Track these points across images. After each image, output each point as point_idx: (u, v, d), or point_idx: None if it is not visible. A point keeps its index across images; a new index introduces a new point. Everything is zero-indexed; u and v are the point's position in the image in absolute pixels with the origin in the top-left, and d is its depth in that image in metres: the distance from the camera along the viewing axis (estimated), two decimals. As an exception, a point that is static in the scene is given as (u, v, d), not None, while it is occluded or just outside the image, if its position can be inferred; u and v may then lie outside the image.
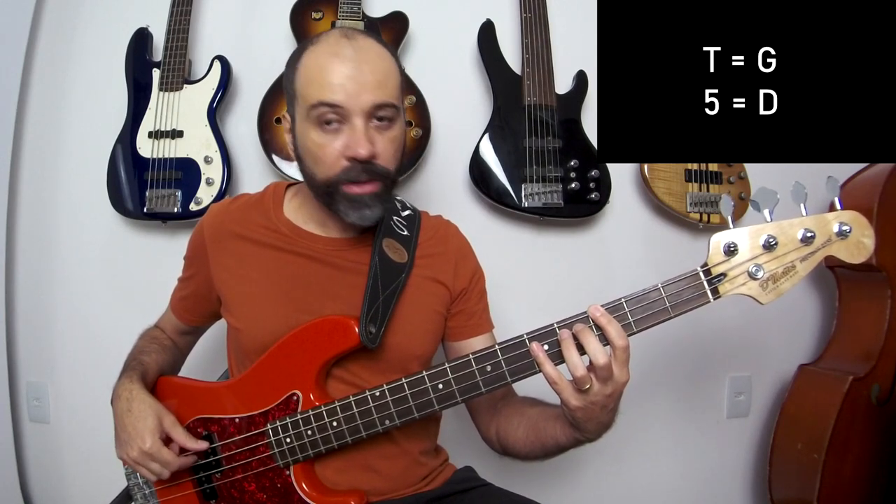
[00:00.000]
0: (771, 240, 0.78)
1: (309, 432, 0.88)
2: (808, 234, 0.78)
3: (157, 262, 1.47)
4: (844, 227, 0.79)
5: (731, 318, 1.58)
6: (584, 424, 0.82)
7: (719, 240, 0.79)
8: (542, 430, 0.91)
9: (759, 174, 1.51)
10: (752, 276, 0.79)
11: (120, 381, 0.96)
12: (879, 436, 1.44)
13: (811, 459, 1.42)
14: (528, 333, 0.81)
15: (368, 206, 0.88)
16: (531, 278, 1.53)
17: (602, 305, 0.79)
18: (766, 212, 0.79)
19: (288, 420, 0.89)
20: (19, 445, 1.55)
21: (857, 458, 1.43)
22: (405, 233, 1.00)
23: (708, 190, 1.48)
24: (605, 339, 0.78)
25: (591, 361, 0.77)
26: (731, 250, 0.78)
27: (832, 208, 0.81)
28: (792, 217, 0.79)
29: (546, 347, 0.79)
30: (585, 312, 0.79)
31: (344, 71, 0.83)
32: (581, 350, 0.78)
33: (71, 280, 1.54)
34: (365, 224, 0.90)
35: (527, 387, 0.92)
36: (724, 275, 0.79)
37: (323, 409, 0.87)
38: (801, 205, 0.79)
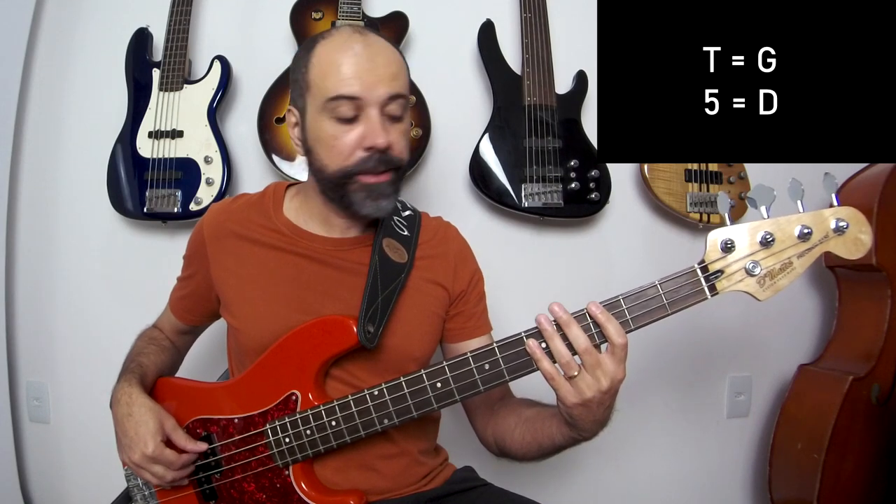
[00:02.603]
0: (768, 236, 0.78)
1: (308, 432, 0.88)
2: (806, 231, 0.78)
3: (157, 262, 1.48)
4: (842, 224, 0.79)
5: (731, 317, 1.58)
6: (580, 422, 0.82)
7: (716, 236, 0.79)
8: (538, 430, 0.91)
9: (759, 174, 1.51)
10: (749, 273, 0.79)
11: (119, 385, 0.95)
12: (879, 436, 1.44)
13: (811, 459, 1.42)
14: (525, 331, 0.81)
15: (385, 195, 0.89)
16: (531, 278, 1.53)
17: (600, 303, 0.79)
18: (762, 209, 0.79)
19: (287, 420, 0.89)
20: (19, 445, 1.55)
21: (857, 458, 1.43)
22: (405, 233, 1.00)
23: (708, 190, 1.48)
24: (603, 337, 0.78)
25: (574, 349, 0.78)
26: (728, 247, 0.78)
27: (831, 206, 0.81)
28: (790, 214, 0.79)
29: (544, 346, 0.80)
30: (584, 310, 0.79)
31: (360, 64, 0.85)
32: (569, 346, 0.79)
33: (71, 280, 1.54)
34: (380, 215, 0.91)
35: (524, 387, 0.92)
36: (721, 271, 0.79)
37: (322, 408, 0.87)
38: (798, 201, 0.79)
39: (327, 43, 0.88)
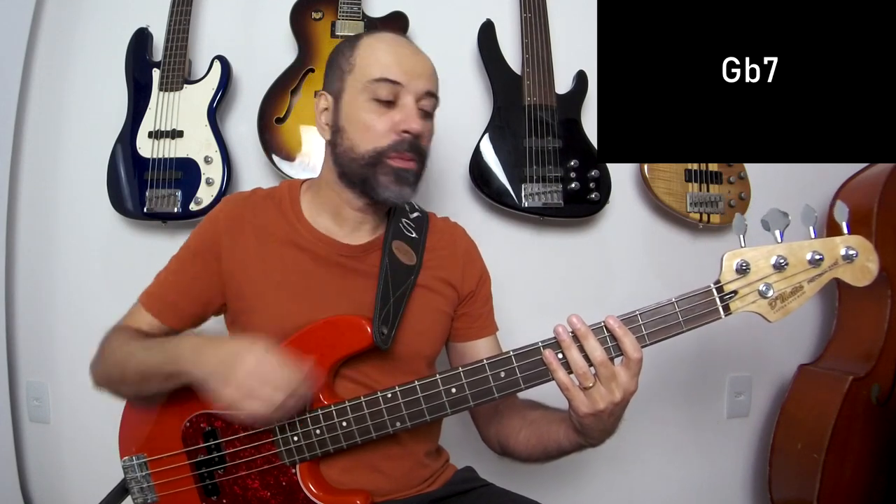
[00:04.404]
0: (781, 260, 0.80)
1: (317, 431, 0.88)
2: (817, 257, 0.81)
3: (157, 262, 1.46)
4: (851, 252, 0.81)
5: (731, 318, 1.58)
6: (589, 431, 0.84)
7: (732, 259, 0.81)
8: (544, 433, 0.92)
9: (759, 174, 1.51)
10: (762, 295, 0.81)
11: (174, 349, 0.85)
12: (879, 436, 1.44)
13: (811, 459, 1.42)
14: (542, 341, 0.82)
15: (409, 182, 0.92)
16: (531, 278, 1.53)
17: (618, 317, 0.80)
18: (776, 232, 0.81)
19: (296, 419, 0.88)
20: (19, 445, 1.55)
21: (857, 458, 1.43)
22: (413, 235, 1.01)
23: (708, 190, 1.48)
24: (618, 350, 0.80)
25: (590, 360, 0.79)
26: (743, 269, 0.81)
27: (830, 219, 0.82)
28: (795, 233, 0.81)
29: (560, 356, 0.81)
30: (601, 323, 0.80)
31: (406, 56, 0.93)
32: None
33: (71, 280, 1.54)
34: (398, 202, 0.94)
35: (531, 390, 0.92)
36: (735, 292, 0.81)
37: (333, 408, 0.87)
38: (811, 227, 0.81)
39: (376, 35, 0.96)
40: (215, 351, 0.81)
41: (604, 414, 0.80)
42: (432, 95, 0.94)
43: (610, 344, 0.80)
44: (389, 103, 0.91)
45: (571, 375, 0.80)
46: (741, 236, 0.82)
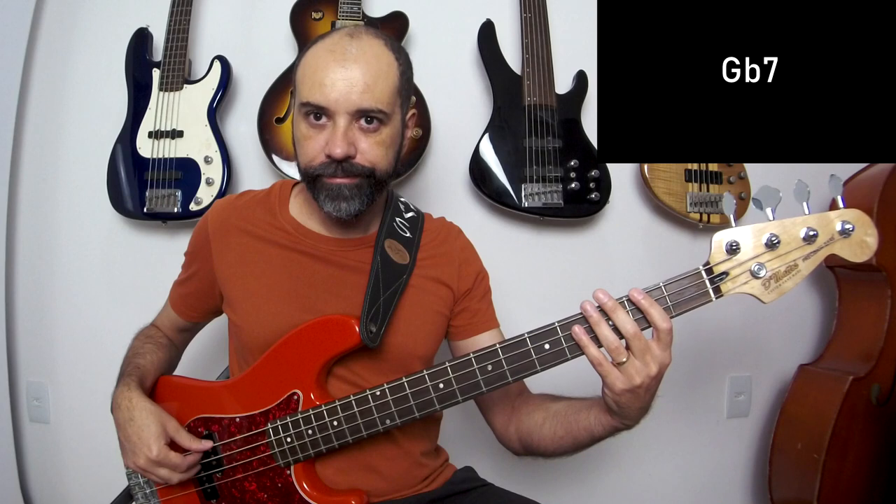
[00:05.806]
0: (773, 238, 0.78)
1: (309, 432, 0.88)
2: (811, 233, 0.78)
3: (157, 262, 1.48)
4: (847, 226, 0.78)
5: (731, 318, 1.58)
6: (626, 410, 0.81)
7: (721, 238, 0.78)
8: (573, 422, 0.90)
9: (760, 174, 1.51)
10: (754, 275, 0.78)
11: (118, 390, 0.95)
12: (879, 436, 1.44)
13: (811, 459, 1.42)
14: (528, 333, 0.81)
15: (346, 198, 0.88)
16: (531, 278, 1.53)
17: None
18: (768, 210, 0.79)
19: (288, 419, 0.89)
20: (19, 445, 1.55)
21: (857, 458, 1.43)
22: (407, 234, 1.01)
23: (708, 190, 1.48)
24: (645, 323, 0.78)
25: (622, 334, 0.78)
26: (733, 249, 0.78)
27: (833, 207, 0.80)
28: (793, 216, 0.79)
29: (548, 347, 0.79)
30: (625, 297, 0.79)
31: (335, 72, 0.84)
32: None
33: (71, 280, 1.54)
34: (341, 216, 0.89)
35: (534, 383, 0.91)
36: (726, 273, 0.79)
37: (323, 408, 0.87)
38: (804, 203, 0.79)
39: (318, 44, 0.89)
40: (125, 426, 0.91)
41: (640, 389, 0.78)
42: (369, 111, 0.85)
43: (635, 318, 0.78)
44: (324, 122, 0.86)
45: (603, 350, 0.78)
46: (731, 216, 0.80)
